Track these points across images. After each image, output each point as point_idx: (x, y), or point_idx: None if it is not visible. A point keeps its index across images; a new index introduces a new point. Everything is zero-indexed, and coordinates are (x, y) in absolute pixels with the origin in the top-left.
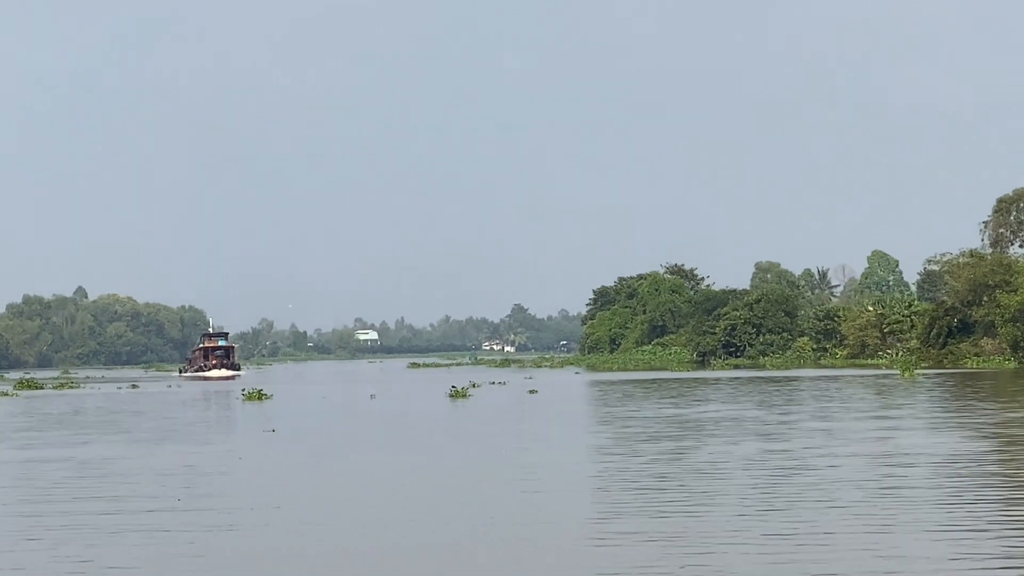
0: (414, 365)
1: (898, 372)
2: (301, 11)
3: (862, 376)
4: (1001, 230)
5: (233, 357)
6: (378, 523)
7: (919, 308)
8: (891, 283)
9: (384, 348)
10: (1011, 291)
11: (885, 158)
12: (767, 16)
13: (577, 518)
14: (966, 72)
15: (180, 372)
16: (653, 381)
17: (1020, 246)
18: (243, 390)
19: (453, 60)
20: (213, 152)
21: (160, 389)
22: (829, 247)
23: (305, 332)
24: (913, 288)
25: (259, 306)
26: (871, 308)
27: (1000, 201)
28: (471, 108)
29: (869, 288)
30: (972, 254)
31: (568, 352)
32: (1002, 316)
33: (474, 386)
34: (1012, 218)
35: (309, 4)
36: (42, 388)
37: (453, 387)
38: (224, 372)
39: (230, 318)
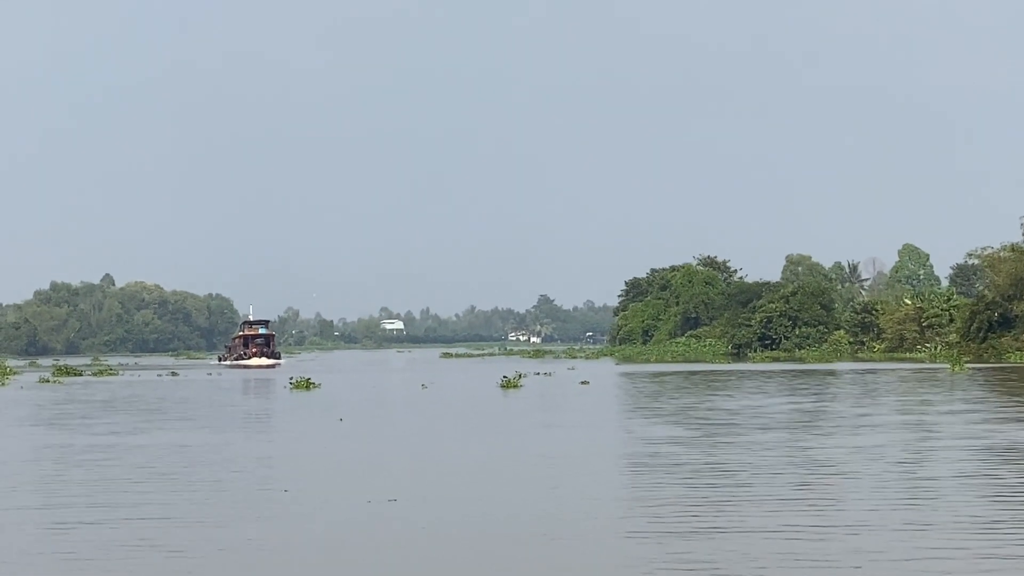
0: (446, 355)
1: (947, 366)
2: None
3: (910, 370)
4: None
5: (273, 345)
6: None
7: (958, 302)
8: (922, 277)
9: (410, 338)
10: None
11: (917, 152)
12: (800, 6)
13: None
14: (1003, 64)
15: (220, 360)
16: (698, 373)
17: None
18: (291, 379)
19: (480, 54)
20: (239, 142)
21: (200, 377)
22: (860, 240)
23: (331, 321)
24: (945, 282)
25: (285, 295)
26: (909, 301)
27: None
28: (497, 99)
29: (900, 282)
30: (1013, 248)
31: (594, 343)
32: None
33: (521, 376)
34: None
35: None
36: (81, 375)
37: (505, 377)
38: (265, 361)
39: (256, 307)
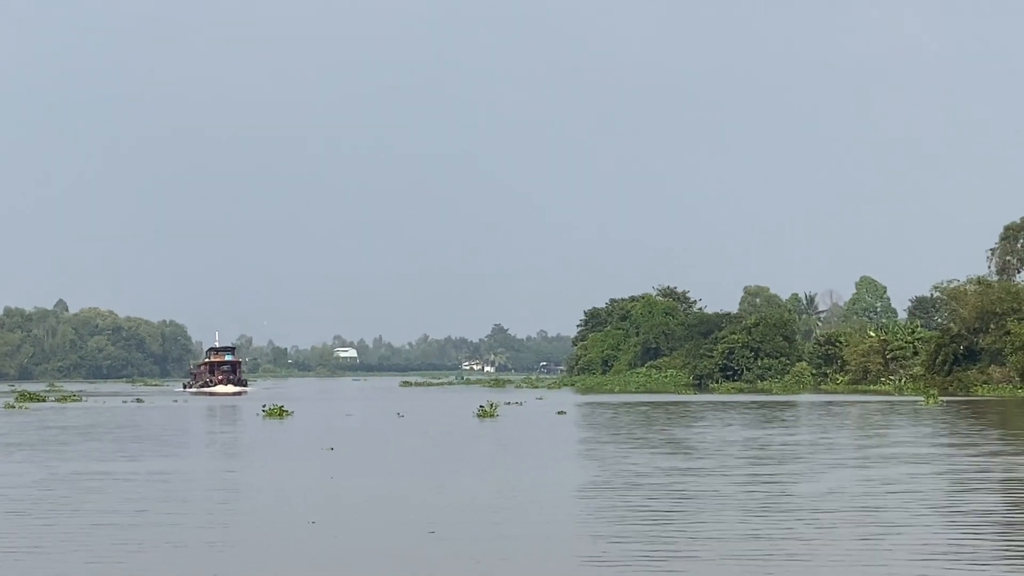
0: (406, 383)
1: (918, 399)
2: (280, 24)
3: (885, 402)
4: (1008, 257)
5: (239, 372)
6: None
7: (922, 335)
8: (879, 309)
9: (364, 366)
10: (1021, 319)
11: (876, 185)
12: (760, 40)
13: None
14: (956, 100)
15: (184, 387)
16: (671, 404)
17: None
18: (264, 406)
19: (437, 81)
20: (192, 168)
21: (167, 403)
22: (817, 273)
23: (285, 349)
24: (903, 314)
25: (238, 322)
26: (873, 334)
27: (1007, 228)
28: (452, 128)
29: (856, 314)
30: (980, 281)
31: (548, 373)
32: (1012, 344)
33: (495, 407)
34: (1020, 246)
35: (291, 15)
36: (44, 400)
37: (481, 407)
38: (231, 388)
39: (210, 334)
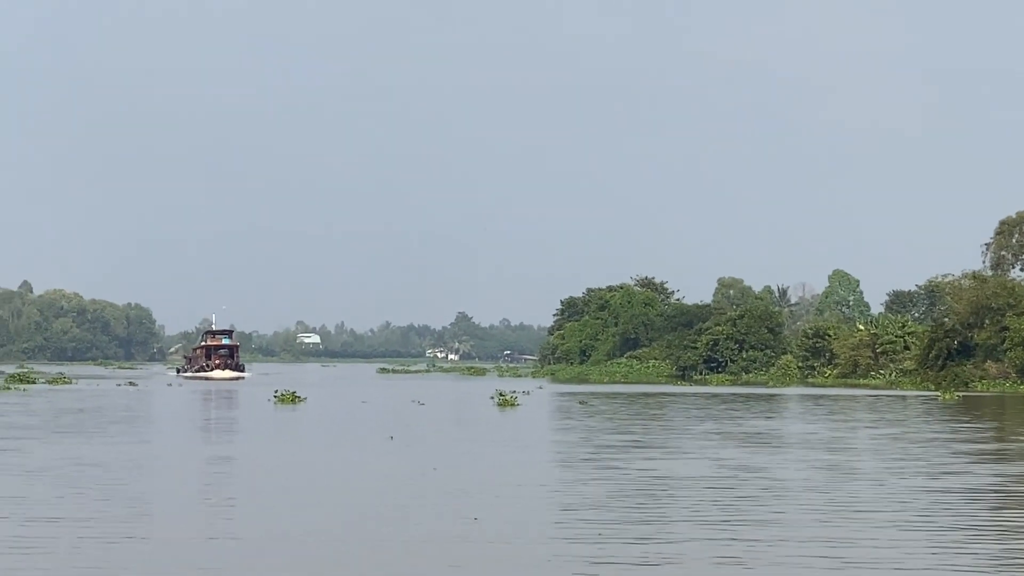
0: (384, 371)
1: (922, 394)
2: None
3: (895, 396)
4: (1003, 252)
5: (237, 357)
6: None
7: (913, 329)
8: (851, 302)
9: (327, 352)
10: (1020, 314)
11: (847, 179)
12: (737, 31)
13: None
14: (914, 94)
15: (178, 372)
16: (672, 395)
17: (1021, 269)
18: (275, 392)
19: (404, 63)
20: (155, 150)
21: (162, 388)
22: (790, 265)
23: (249, 333)
24: (879, 308)
25: (200, 306)
26: (862, 327)
27: (1003, 223)
28: (420, 112)
29: (829, 307)
30: (975, 276)
31: (514, 362)
32: (1011, 339)
33: (512, 395)
34: (1015, 241)
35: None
36: (34, 383)
37: (501, 396)
38: (229, 373)
39: (172, 317)
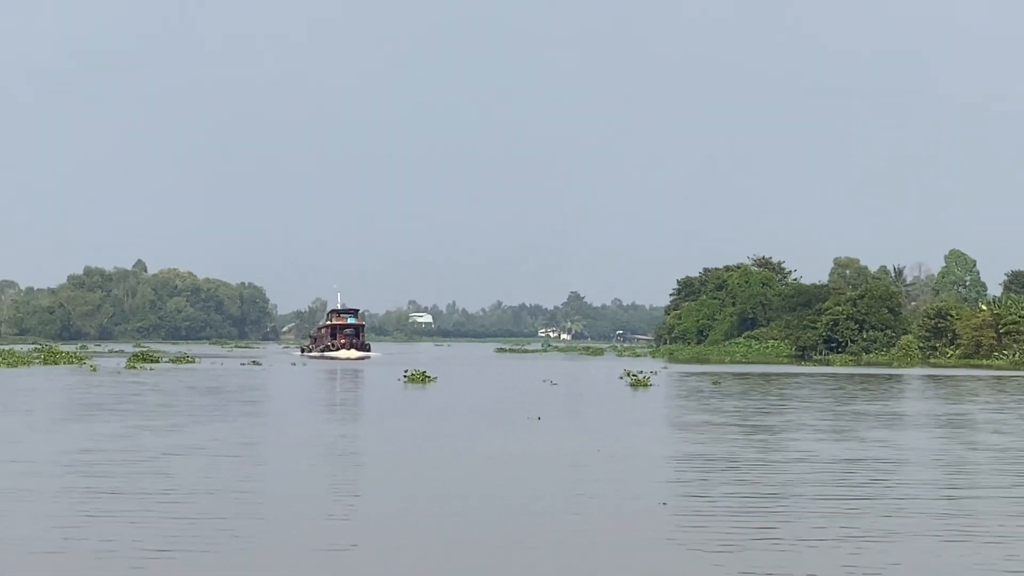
0: (501, 351)
1: None
2: None
3: None
4: None
5: (363, 336)
6: None
7: None
8: (968, 283)
9: (440, 331)
10: None
11: (970, 157)
12: (845, 6)
13: None
14: None
15: (303, 351)
16: (800, 375)
17: None
18: (405, 372)
19: (519, 41)
20: (268, 131)
21: (286, 368)
22: (905, 245)
23: (363, 313)
24: (997, 288)
25: (311, 286)
26: (985, 308)
27: None
28: (531, 90)
29: (945, 287)
30: None
31: (626, 342)
32: None
33: (645, 376)
34: None
35: None
36: (158, 362)
37: (632, 375)
38: (355, 353)
39: (286, 297)
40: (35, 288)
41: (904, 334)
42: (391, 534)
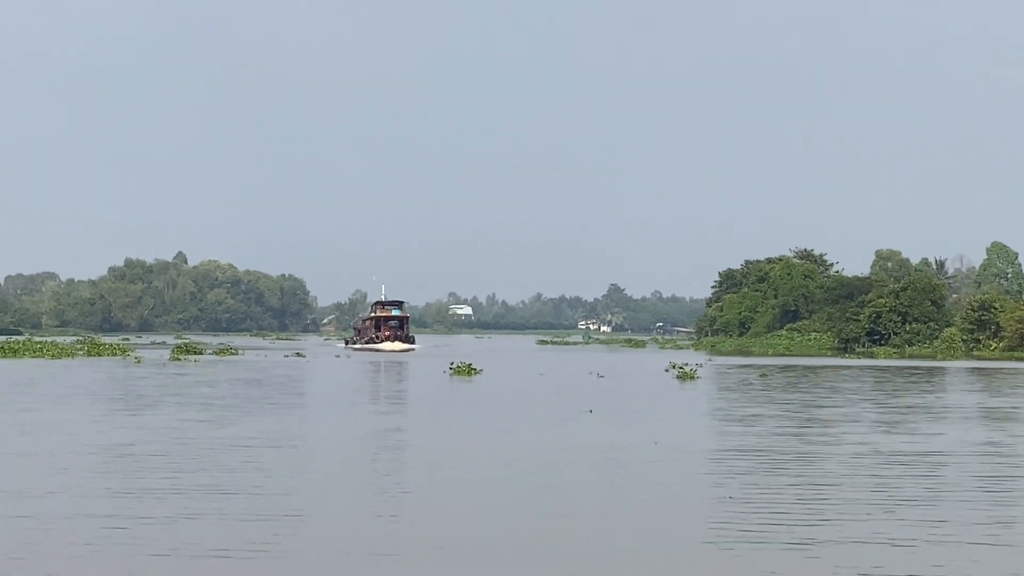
0: (543, 343)
1: None
2: None
3: None
4: None
5: (407, 328)
6: None
7: None
8: (1010, 275)
9: (480, 323)
10: None
11: (1012, 150)
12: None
13: None
14: None
15: (346, 343)
16: (846, 368)
17: None
18: (451, 364)
19: (550, 40)
20: (308, 127)
21: (328, 359)
22: (946, 237)
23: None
24: None
25: (350, 278)
26: None
27: None
28: (574, 81)
29: (987, 280)
30: None
31: (667, 334)
32: None
33: (691, 368)
34: None
35: None
36: (201, 353)
37: (679, 368)
38: (399, 345)
39: (325, 289)
40: (76, 280)
41: (947, 327)
42: (469, 532)
